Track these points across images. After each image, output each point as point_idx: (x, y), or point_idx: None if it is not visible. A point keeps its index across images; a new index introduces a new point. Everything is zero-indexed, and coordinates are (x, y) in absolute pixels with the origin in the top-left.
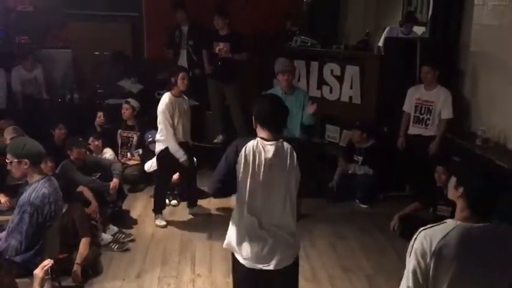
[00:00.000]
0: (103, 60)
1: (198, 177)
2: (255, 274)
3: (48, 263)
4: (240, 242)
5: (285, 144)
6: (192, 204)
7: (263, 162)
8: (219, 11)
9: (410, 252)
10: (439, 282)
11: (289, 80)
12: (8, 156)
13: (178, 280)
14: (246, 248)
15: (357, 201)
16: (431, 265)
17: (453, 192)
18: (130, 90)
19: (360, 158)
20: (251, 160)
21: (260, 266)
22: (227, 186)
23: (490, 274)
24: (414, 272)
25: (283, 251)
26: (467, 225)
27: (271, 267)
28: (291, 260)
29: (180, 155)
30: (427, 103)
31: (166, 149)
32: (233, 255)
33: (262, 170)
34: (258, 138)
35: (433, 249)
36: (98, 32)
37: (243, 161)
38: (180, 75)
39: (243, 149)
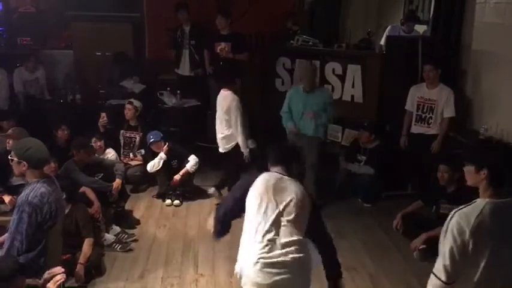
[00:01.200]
0: (105, 60)
1: (200, 177)
2: None
3: (60, 278)
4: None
5: (298, 182)
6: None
7: (276, 191)
8: (222, 11)
9: (446, 232)
10: (478, 257)
11: (306, 85)
12: (12, 153)
13: (182, 280)
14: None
15: (360, 200)
16: (471, 242)
17: (474, 177)
18: (133, 90)
19: (364, 158)
20: (263, 189)
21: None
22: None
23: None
24: (451, 251)
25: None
26: (496, 201)
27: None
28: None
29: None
30: (429, 102)
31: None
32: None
33: (275, 196)
34: (270, 171)
35: (471, 226)
36: (100, 33)
37: (255, 190)
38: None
39: (254, 180)
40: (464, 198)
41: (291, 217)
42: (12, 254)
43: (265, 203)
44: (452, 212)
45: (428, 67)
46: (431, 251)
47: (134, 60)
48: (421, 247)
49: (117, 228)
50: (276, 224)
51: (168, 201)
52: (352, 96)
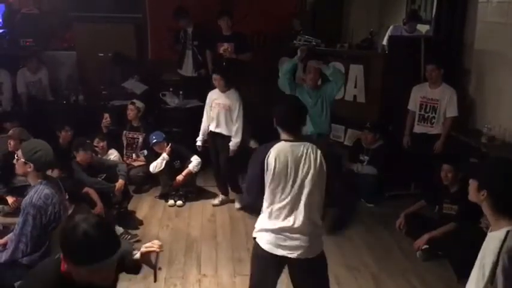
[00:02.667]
0: (107, 61)
1: (203, 177)
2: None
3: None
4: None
5: (309, 144)
6: (224, 192)
7: (288, 162)
8: (225, 12)
9: (494, 272)
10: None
11: (314, 76)
12: (18, 152)
13: (185, 280)
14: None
15: (363, 200)
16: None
17: (475, 195)
18: (134, 91)
19: (367, 158)
20: (279, 162)
21: (282, 253)
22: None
23: None
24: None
25: (308, 245)
26: None
27: (294, 255)
28: (315, 254)
29: (198, 139)
30: (432, 101)
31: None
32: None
33: (288, 170)
34: (282, 141)
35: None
36: (102, 34)
37: (271, 165)
38: (212, 77)
39: (267, 155)
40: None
41: (308, 189)
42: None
43: (284, 181)
44: (492, 248)
45: (431, 67)
46: (434, 251)
47: (135, 61)
48: (424, 247)
49: (120, 229)
50: (295, 199)
51: (171, 201)
52: (355, 96)
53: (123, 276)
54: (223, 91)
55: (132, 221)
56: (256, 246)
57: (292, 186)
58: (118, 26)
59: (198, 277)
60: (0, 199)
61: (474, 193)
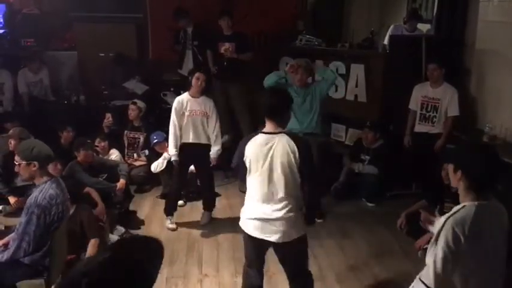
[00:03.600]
0: (108, 61)
1: None
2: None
3: None
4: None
5: (284, 136)
6: (208, 207)
7: (264, 153)
8: (225, 12)
9: (438, 241)
10: (469, 261)
11: (301, 77)
12: (17, 158)
13: (186, 280)
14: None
15: (364, 199)
16: (465, 247)
17: (452, 176)
18: (135, 91)
19: (367, 158)
20: (252, 152)
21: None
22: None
23: (498, 243)
24: (446, 259)
25: (284, 230)
26: (483, 204)
27: (272, 239)
28: (291, 238)
29: (172, 153)
30: (433, 101)
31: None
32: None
33: (263, 160)
34: (260, 133)
35: (466, 232)
36: (103, 34)
37: (247, 155)
38: (196, 75)
39: (246, 145)
40: None
41: (282, 181)
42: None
43: (258, 170)
44: (442, 219)
45: (432, 66)
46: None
47: (136, 61)
48: (425, 247)
49: (121, 229)
50: (267, 188)
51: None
52: (356, 96)
53: None
54: (197, 96)
55: (133, 221)
56: (243, 231)
57: (263, 176)
58: (119, 26)
59: (200, 277)
60: (2, 199)
61: (451, 176)
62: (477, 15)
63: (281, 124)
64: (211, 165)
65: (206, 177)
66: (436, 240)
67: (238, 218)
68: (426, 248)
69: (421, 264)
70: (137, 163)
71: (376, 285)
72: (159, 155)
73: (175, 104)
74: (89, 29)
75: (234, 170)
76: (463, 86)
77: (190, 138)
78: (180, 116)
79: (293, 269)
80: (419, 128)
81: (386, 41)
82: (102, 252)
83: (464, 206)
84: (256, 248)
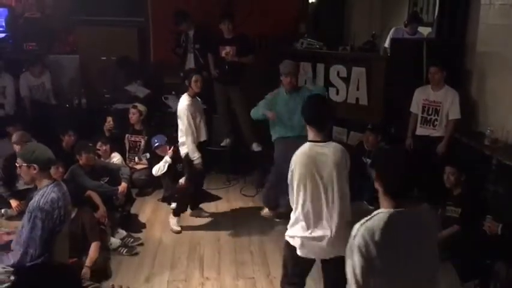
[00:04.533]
0: (110, 65)
1: (206, 180)
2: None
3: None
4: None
5: (335, 144)
6: (194, 206)
7: (316, 163)
8: (226, 15)
9: (351, 250)
10: (384, 270)
11: (292, 82)
12: (18, 160)
13: (187, 283)
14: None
15: (365, 202)
16: (378, 257)
17: (375, 182)
18: (137, 94)
19: (369, 161)
20: (304, 164)
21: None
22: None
23: (417, 251)
24: (360, 269)
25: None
26: (398, 211)
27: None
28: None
29: (196, 156)
30: (434, 104)
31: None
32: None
33: (315, 170)
34: (308, 142)
35: (376, 240)
36: (105, 37)
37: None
38: (194, 77)
39: (294, 158)
40: (470, 201)
41: (335, 189)
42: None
43: (308, 181)
44: (355, 227)
45: (433, 69)
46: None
47: (138, 65)
48: None
49: (123, 232)
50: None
51: (174, 204)
52: (357, 99)
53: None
54: (195, 96)
55: (135, 225)
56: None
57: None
58: (121, 29)
59: (201, 280)
60: (3, 202)
61: (376, 181)
62: (478, 18)
63: (323, 131)
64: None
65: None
66: (350, 250)
67: (240, 221)
68: None
69: None
70: (138, 166)
71: None
72: (160, 159)
73: (187, 109)
74: (90, 33)
75: None
76: (464, 89)
77: (203, 137)
78: (191, 119)
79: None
80: (420, 131)
81: (387, 44)
82: None
83: (378, 213)
84: (302, 264)
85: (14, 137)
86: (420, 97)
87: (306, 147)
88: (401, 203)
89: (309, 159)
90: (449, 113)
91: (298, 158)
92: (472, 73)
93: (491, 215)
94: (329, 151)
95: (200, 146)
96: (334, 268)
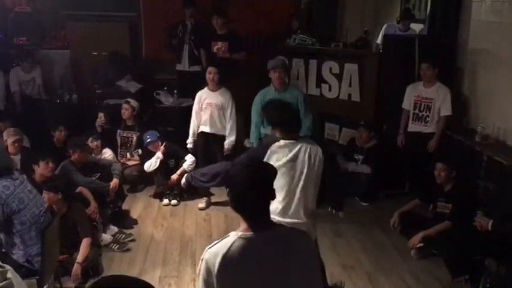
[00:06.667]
0: (101, 60)
1: None
2: None
3: None
4: None
5: (303, 143)
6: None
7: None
8: (217, 11)
9: (199, 274)
10: None
11: (281, 77)
12: None
13: (179, 280)
14: None
15: (357, 199)
16: (217, 285)
17: None
18: (128, 89)
19: (361, 157)
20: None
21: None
22: None
23: (273, 277)
24: None
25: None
26: (248, 235)
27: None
28: None
29: (188, 141)
30: (426, 100)
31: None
32: None
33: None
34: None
35: (217, 266)
36: (96, 32)
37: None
38: (208, 69)
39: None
40: (460, 197)
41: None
42: None
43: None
44: (205, 251)
45: (425, 66)
46: (428, 250)
47: (129, 60)
48: (418, 245)
49: (114, 228)
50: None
51: (166, 200)
52: (349, 95)
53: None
54: (214, 89)
55: (126, 221)
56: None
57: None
58: (112, 24)
59: (193, 276)
60: None
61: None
62: (470, 15)
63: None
64: (224, 154)
65: None
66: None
67: (232, 217)
68: (419, 247)
69: (414, 262)
70: (130, 162)
71: (370, 284)
72: (152, 154)
73: (196, 99)
74: (81, 28)
75: None
76: (455, 86)
77: (207, 129)
78: (198, 108)
79: None
80: (412, 127)
81: (379, 40)
82: None
83: (228, 235)
84: None
85: (5, 134)
86: (412, 94)
87: (280, 142)
88: (260, 226)
89: (282, 152)
90: (441, 110)
91: (273, 148)
92: (464, 70)
93: (482, 211)
94: (301, 147)
95: (204, 136)
96: None
